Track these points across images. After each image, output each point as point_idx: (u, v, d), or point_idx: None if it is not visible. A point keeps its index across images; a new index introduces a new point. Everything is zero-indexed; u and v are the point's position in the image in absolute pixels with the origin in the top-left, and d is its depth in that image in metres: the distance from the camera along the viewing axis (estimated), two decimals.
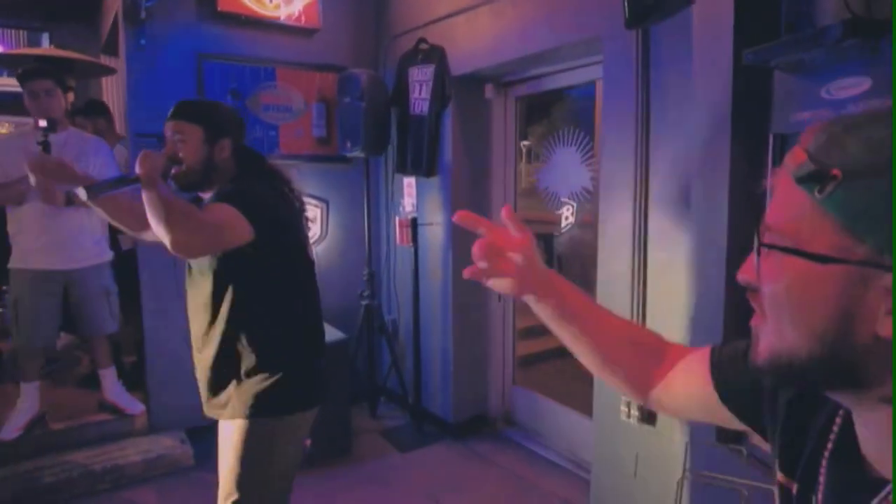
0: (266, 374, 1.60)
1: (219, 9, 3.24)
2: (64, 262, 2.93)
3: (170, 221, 1.33)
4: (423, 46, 3.38)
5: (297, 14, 3.48)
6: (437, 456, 3.28)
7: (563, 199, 3.05)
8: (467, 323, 3.44)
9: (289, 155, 3.60)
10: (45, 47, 5.60)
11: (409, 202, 3.43)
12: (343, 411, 3.30)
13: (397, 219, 3.42)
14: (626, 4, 1.89)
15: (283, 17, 3.44)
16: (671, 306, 2.19)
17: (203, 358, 1.67)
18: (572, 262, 4.72)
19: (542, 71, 3.09)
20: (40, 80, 2.83)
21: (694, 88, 2.03)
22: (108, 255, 3.13)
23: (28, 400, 3.07)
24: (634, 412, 2.34)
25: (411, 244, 3.38)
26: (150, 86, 3.17)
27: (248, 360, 1.60)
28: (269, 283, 1.58)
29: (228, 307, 1.59)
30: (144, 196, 1.35)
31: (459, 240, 3.35)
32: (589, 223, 2.97)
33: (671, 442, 2.25)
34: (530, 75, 3.18)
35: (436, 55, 3.29)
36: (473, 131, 3.36)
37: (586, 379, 3.99)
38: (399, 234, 3.39)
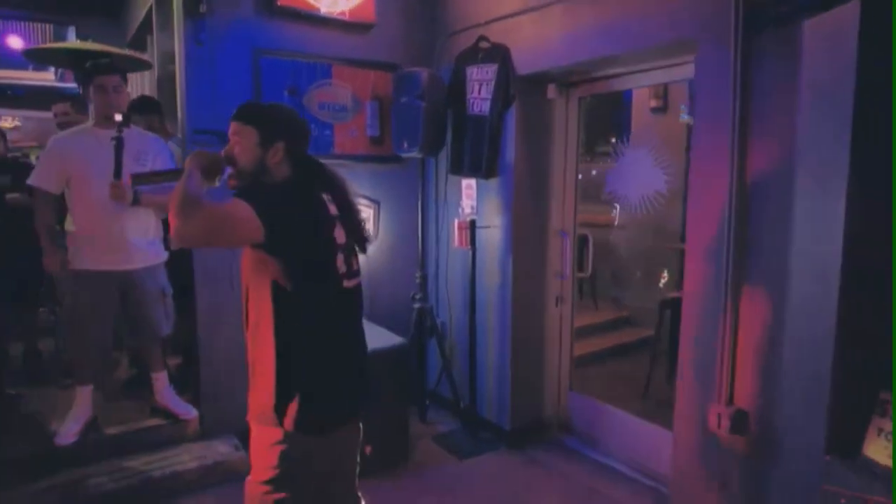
0: (284, 390, 1.57)
1: (278, 4, 3.16)
2: (122, 262, 2.85)
3: (180, 210, 1.38)
4: (484, 45, 3.30)
5: (354, 9, 3.40)
6: (497, 464, 3.22)
7: (633, 202, 2.99)
8: (525, 326, 3.38)
9: (343, 155, 3.52)
10: (72, 41, 5.50)
11: (468, 204, 3.36)
12: (401, 417, 3.24)
13: (456, 221, 3.35)
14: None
15: (339, 13, 3.36)
16: (769, 323, 2.14)
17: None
18: (627, 265, 4.66)
19: (613, 72, 3.02)
20: (110, 75, 2.75)
21: (802, 96, 1.98)
22: (164, 256, 3.05)
23: (82, 404, 3.00)
24: (725, 422, 2.28)
25: (469, 246, 3.31)
26: (208, 82, 3.08)
27: (268, 371, 1.58)
28: (286, 293, 1.54)
29: (255, 313, 1.59)
30: (176, 186, 1.44)
31: (519, 242, 3.29)
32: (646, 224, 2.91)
33: (764, 453, 2.20)
34: (598, 76, 3.11)
35: (499, 54, 3.22)
36: (535, 132, 3.30)
37: (639, 381, 3.98)
38: (457, 237, 3.32)
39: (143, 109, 3.45)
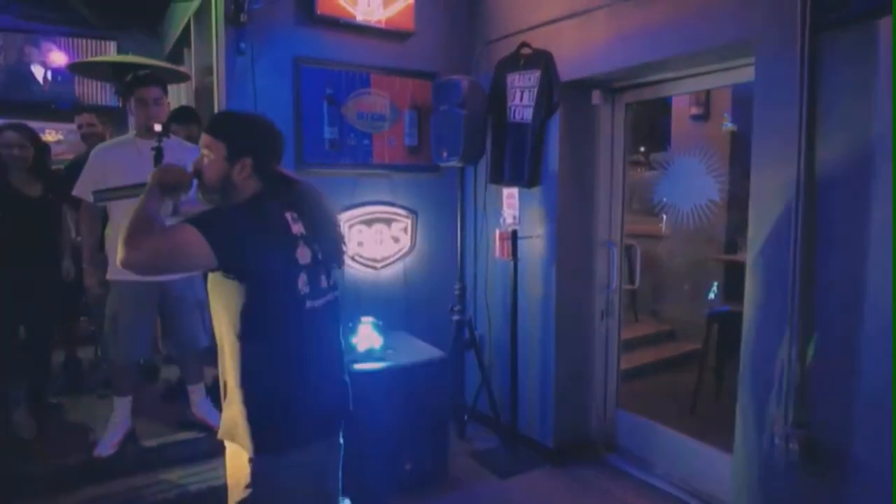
0: (249, 410, 1.53)
1: (317, 12, 3.14)
2: None
3: (128, 236, 1.37)
4: (526, 51, 3.23)
5: (392, 17, 3.36)
6: (540, 483, 3.09)
7: (684, 212, 2.87)
8: (569, 341, 3.26)
9: (381, 165, 3.47)
10: (113, 55, 5.60)
11: (510, 214, 3.27)
12: (439, 432, 3.14)
13: (497, 231, 3.26)
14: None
15: (378, 21, 3.32)
16: (841, 339, 1.99)
17: None
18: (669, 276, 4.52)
19: (661, 77, 2.91)
20: (151, 87, 2.75)
21: (880, 100, 1.86)
22: None
23: (121, 415, 2.97)
24: (794, 446, 2.13)
25: (510, 257, 3.21)
26: (248, 92, 3.07)
27: (233, 391, 1.56)
28: (244, 314, 1.50)
29: (218, 332, 1.58)
30: (134, 207, 1.44)
31: (563, 253, 3.18)
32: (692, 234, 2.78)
33: (835, 480, 2.04)
34: (645, 81, 3.01)
35: (541, 60, 3.14)
36: (579, 140, 3.20)
37: (685, 397, 3.82)
38: (499, 247, 3.23)
39: (183, 119, 3.45)
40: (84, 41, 5.86)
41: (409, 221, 3.57)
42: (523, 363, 3.36)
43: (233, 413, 1.56)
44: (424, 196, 3.64)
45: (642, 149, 5.50)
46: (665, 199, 2.96)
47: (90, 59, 5.09)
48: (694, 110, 5.01)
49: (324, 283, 1.63)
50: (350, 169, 3.37)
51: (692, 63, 2.67)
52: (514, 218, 3.30)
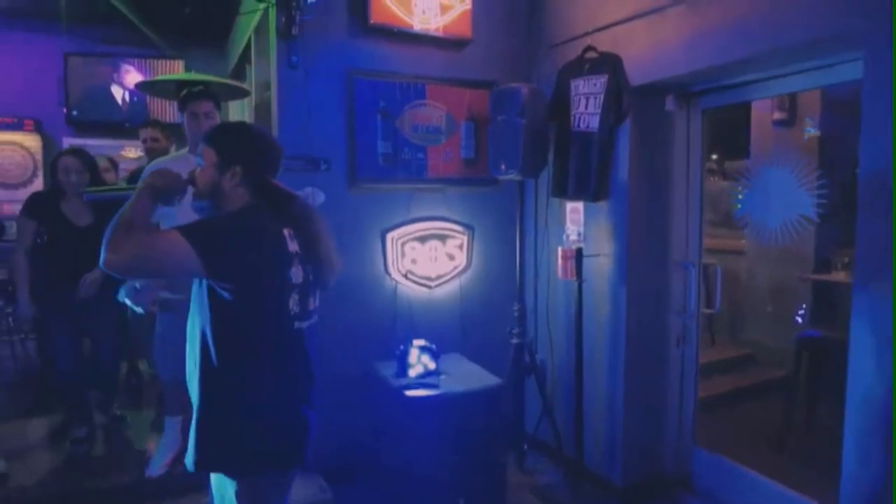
0: (214, 422, 1.52)
1: (371, 22, 3.03)
2: None
3: (111, 235, 1.38)
4: (591, 55, 3.00)
5: (448, 25, 3.21)
6: None
7: (772, 228, 2.55)
8: (640, 369, 2.98)
9: (436, 179, 3.32)
10: (182, 72, 5.75)
11: (574, 230, 3.03)
12: (496, 464, 2.93)
13: (560, 249, 3.02)
14: None
15: (434, 29, 3.18)
16: None
17: None
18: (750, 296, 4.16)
19: (744, 79, 2.62)
20: (202, 102, 2.73)
21: None
22: None
23: (171, 434, 2.94)
24: None
25: (575, 278, 2.97)
26: (301, 105, 2.99)
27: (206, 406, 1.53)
28: (229, 330, 1.49)
29: (200, 342, 1.52)
30: (124, 206, 1.45)
31: (634, 273, 2.91)
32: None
33: None
34: (726, 84, 2.71)
35: (608, 64, 2.90)
36: (651, 149, 2.93)
37: (771, 430, 3.43)
38: (561, 266, 3.00)
39: None
40: (157, 61, 6.06)
41: (464, 238, 3.39)
42: (589, 391, 3.10)
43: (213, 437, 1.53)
44: (481, 211, 3.45)
45: (714, 156, 5.13)
46: (747, 213, 2.64)
47: (156, 77, 5.22)
48: (777, 115, 4.58)
49: (311, 306, 1.63)
50: (404, 184, 3.23)
51: (782, 61, 2.36)
52: (579, 235, 3.05)
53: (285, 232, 1.55)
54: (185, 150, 2.87)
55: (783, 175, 2.52)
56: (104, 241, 1.38)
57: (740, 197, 2.78)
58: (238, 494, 1.55)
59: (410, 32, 3.14)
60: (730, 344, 4.90)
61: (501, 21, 3.43)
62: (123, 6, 5.17)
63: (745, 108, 4.62)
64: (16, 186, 5.68)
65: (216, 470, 1.59)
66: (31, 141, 5.78)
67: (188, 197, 1.61)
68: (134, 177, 3.72)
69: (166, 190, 1.54)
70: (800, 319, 4.19)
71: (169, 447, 2.92)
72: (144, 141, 3.69)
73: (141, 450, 3.21)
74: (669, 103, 2.90)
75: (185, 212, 1.66)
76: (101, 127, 5.63)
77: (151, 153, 3.66)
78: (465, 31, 3.27)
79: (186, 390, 2.94)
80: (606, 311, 3.03)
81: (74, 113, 5.78)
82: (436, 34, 3.19)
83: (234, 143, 1.57)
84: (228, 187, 1.54)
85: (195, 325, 1.54)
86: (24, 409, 3.86)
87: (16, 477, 2.97)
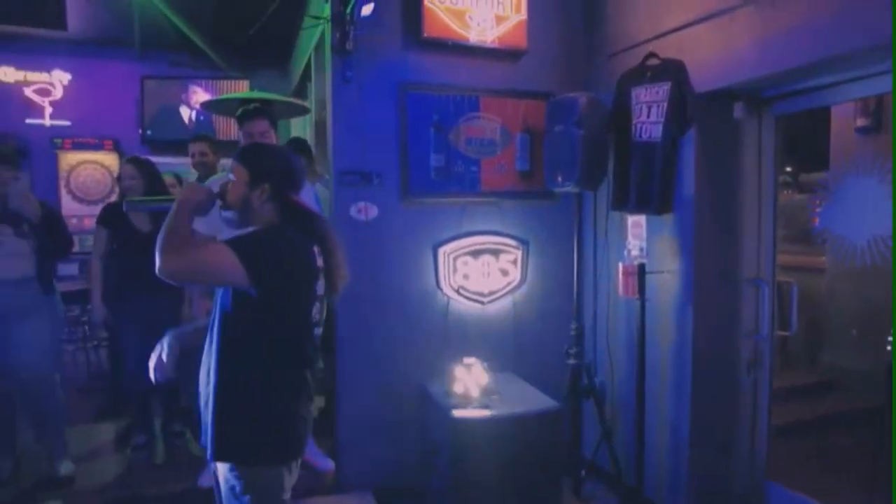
0: (237, 415, 1.64)
1: (424, 35, 3.01)
2: None
3: (164, 246, 1.52)
4: (653, 62, 2.85)
5: (503, 36, 3.15)
6: None
7: (856, 245, 2.32)
8: (707, 393, 2.77)
9: (490, 192, 3.25)
10: (246, 91, 5.96)
11: (636, 245, 2.88)
12: (552, 490, 2.81)
13: (621, 265, 2.87)
14: None
15: (488, 41, 3.13)
16: None
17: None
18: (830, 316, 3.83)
19: (820, 82, 2.42)
20: (257, 120, 2.77)
21: None
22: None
23: None
24: None
25: (637, 295, 2.81)
26: (355, 120, 3.00)
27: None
28: (263, 336, 1.64)
29: (229, 347, 1.64)
30: (166, 221, 1.56)
31: (701, 291, 2.72)
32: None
33: None
34: (801, 88, 2.52)
35: (671, 71, 2.74)
36: (719, 159, 2.76)
37: (858, 466, 3.12)
38: (622, 283, 2.85)
39: (295, 149, 3.47)
40: (223, 82, 6.32)
41: (518, 253, 3.29)
42: (652, 417, 2.91)
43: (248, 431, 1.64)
44: (537, 225, 3.34)
45: (788, 168, 4.82)
46: (827, 228, 2.42)
47: (220, 97, 5.43)
48: (861, 121, 4.24)
49: (322, 315, 1.95)
50: (457, 197, 3.17)
51: (866, 61, 2.16)
52: (641, 250, 2.90)
53: (314, 248, 1.72)
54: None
55: (869, 187, 2.30)
56: (157, 249, 1.52)
57: (818, 210, 2.56)
58: (249, 484, 1.64)
59: (465, 45, 3.10)
60: (809, 369, 4.54)
61: (558, 31, 3.35)
62: (193, 32, 5.43)
63: (824, 114, 4.31)
64: (96, 202, 6.03)
65: (234, 459, 1.66)
66: (110, 159, 6.13)
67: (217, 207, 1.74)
68: None
69: (199, 203, 1.66)
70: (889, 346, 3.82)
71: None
72: (193, 155, 3.79)
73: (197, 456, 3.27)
74: (738, 110, 2.72)
75: (213, 220, 1.80)
76: (172, 145, 5.89)
77: (200, 167, 3.76)
78: (521, 41, 3.20)
79: None
80: (671, 332, 2.85)
81: (149, 132, 6.09)
82: (490, 46, 3.14)
83: (263, 163, 1.71)
84: (257, 203, 1.68)
85: (222, 329, 1.65)
86: (94, 414, 4.03)
87: (79, 480, 3.08)
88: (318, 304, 1.71)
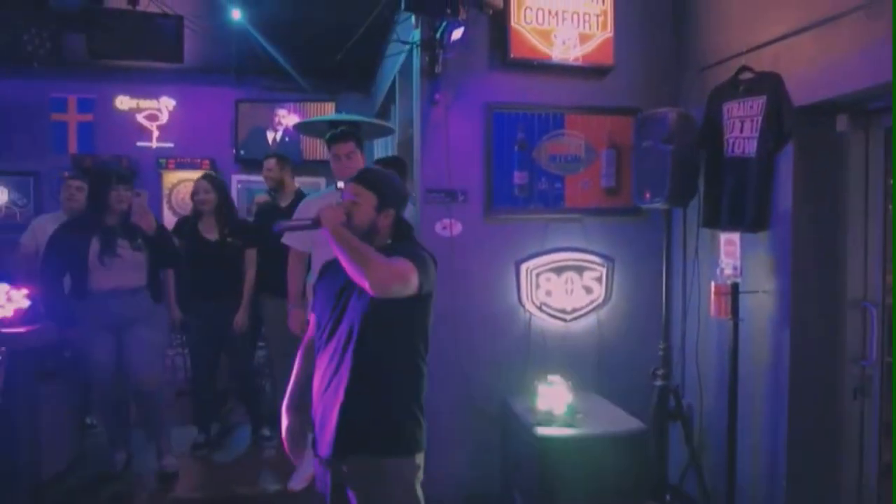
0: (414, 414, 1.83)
1: (511, 56, 3.07)
2: None
3: (367, 264, 1.64)
4: (746, 76, 2.78)
5: (589, 54, 3.16)
6: None
7: None
8: (807, 422, 2.62)
9: (573, 209, 3.24)
10: (333, 113, 6.25)
11: (729, 264, 2.78)
12: None
13: (713, 284, 2.78)
14: None
15: (574, 59, 3.14)
16: None
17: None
18: None
19: None
20: (343, 143, 2.92)
21: None
22: None
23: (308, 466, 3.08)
24: None
25: (730, 316, 2.71)
26: (441, 140, 3.09)
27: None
28: (424, 334, 1.86)
29: (387, 352, 1.80)
30: (335, 242, 1.69)
31: (800, 313, 2.59)
32: None
33: None
34: None
35: (767, 85, 2.67)
36: (820, 174, 2.63)
37: None
38: (714, 303, 2.76)
39: (387, 164, 3.66)
40: (311, 104, 6.65)
41: (603, 270, 3.25)
42: (744, 444, 2.78)
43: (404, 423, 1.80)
44: (622, 242, 3.30)
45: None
46: None
47: (309, 119, 5.71)
48: None
49: None
50: (540, 213, 3.19)
51: None
52: (735, 269, 2.79)
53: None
54: (332, 187, 3.08)
55: None
56: (358, 272, 1.64)
57: None
58: (397, 476, 1.77)
59: (550, 64, 3.13)
60: None
61: (646, 46, 3.32)
62: (284, 58, 5.76)
63: None
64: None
65: (389, 453, 1.76)
66: None
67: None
68: (262, 210, 4.10)
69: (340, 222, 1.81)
70: None
71: (312, 462, 3.06)
72: (263, 171, 4.08)
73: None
74: (842, 123, 2.59)
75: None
76: (260, 164, 6.26)
77: (269, 181, 4.03)
78: (607, 58, 3.20)
79: None
80: (766, 355, 2.72)
81: (241, 152, 6.49)
82: (575, 64, 3.15)
83: (389, 190, 1.85)
84: (382, 225, 1.83)
85: (362, 331, 1.76)
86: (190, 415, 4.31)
87: (182, 476, 3.30)
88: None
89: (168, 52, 3.34)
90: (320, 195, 3.22)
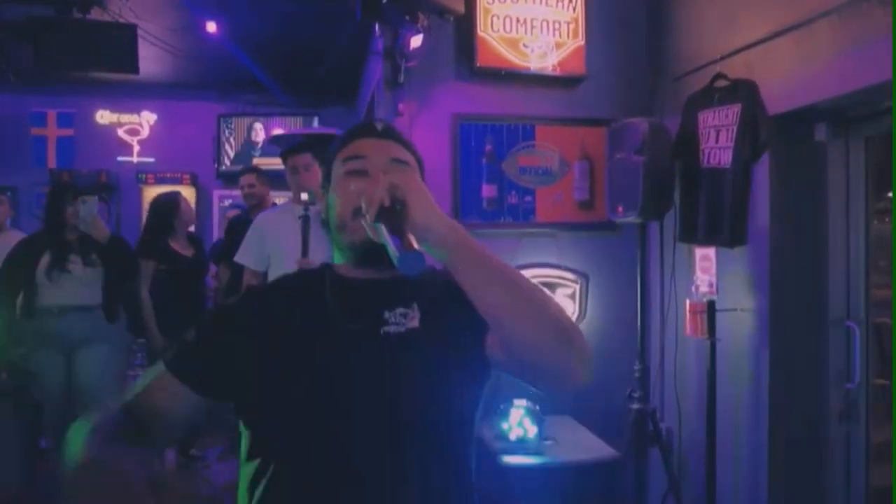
0: None
1: (477, 64, 2.96)
2: None
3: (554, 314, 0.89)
4: (721, 83, 2.66)
5: (560, 63, 3.05)
6: None
7: None
8: (789, 447, 2.47)
9: (545, 223, 3.11)
10: (313, 127, 6.17)
11: (704, 280, 2.64)
12: None
13: (688, 302, 2.64)
14: None
15: (544, 68, 3.03)
16: None
17: None
18: None
19: None
20: (300, 154, 2.81)
21: None
22: None
23: None
24: None
25: (706, 335, 2.56)
26: None
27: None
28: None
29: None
30: (462, 264, 0.91)
31: (780, 332, 2.45)
32: None
33: None
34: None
35: (742, 92, 2.54)
36: (798, 186, 2.51)
37: None
38: (690, 322, 2.61)
39: None
40: (294, 118, 6.57)
41: (577, 286, 3.11)
42: (724, 471, 2.62)
43: None
44: (597, 257, 3.16)
45: (890, 194, 4.36)
46: None
47: (279, 134, 5.61)
48: None
49: None
50: (510, 228, 3.07)
51: None
52: (711, 285, 2.65)
53: None
54: (289, 200, 2.97)
55: None
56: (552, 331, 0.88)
57: None
58: None
59: (519, 73, 3.02)
60: None
61: (620, 54, 3.21)
62: (265, 72, 5.69)
63: None
64: (192, 223, 6.39)
65: None
66: (188, 193, 6.46)
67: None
68: (233, 225, 3.94)
69: None
70: None
71: None
72: (242, 188, 3.91)
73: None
74: (820, 132, 2.47)
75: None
76: None
77: (249, 198, 3.87)
78: (579, 68, 3.09)
79: None
80: (745, 376, 2.57)
81: (223, 167, 6.40)
82: (546, 73, 3.04)
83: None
84: None
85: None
86: None
87: None
88: None
89: (122, 63, 3.24)
90: (278, 208, 3.10)
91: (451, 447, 1.04)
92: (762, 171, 2.50)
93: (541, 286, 1.08)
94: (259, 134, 6.43)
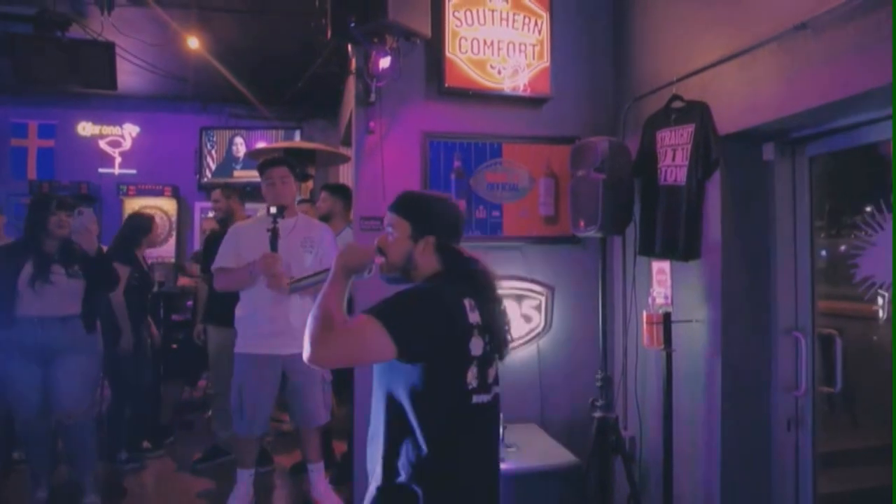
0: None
1: (446, 85, 3.07)
2: (284, 346, 2.83)
3: (319, 336, 1.35)
4: (677, 104, 2.79)
5: (526, 84, 3.17)
6: None
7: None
8: (742, 455, 2.57)
9: (512, 237, 3.21)
10: (295, 141, 6.25)
11: (660, 292, 2.75)
12: None
13: (645, 313, 2.75)
14: None
15: (510, 89, 3.15)
16: None
17: None
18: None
19: (859, 119, 2.27)
20: (276, 168, 2.89)
21: None
22: None
23: (243, 487, 2.98)
24: None
25: (662, 346, 2.66)
26: (376, 168, 3.06)
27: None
28: (414, 401, 1.44)
29: (375, 422, 1.54)
30: (317, 299, 1.42)
31: (731, 343, 2.56)
32: None
33: None
34: (838, 126, 2.37)
35: (695, 113, 2.67)
36: (748, 202, 2.62)
37: None
38: (647, 333, 2.71)
39: (334, 191, 3.75)
40: (276, 131, 6.65)
41: (542, 298, 3.21)
42: (681, 479, 2.71)
43: None
44: (562, 270, 3.26)
45: (869, 209, 4.48)
46: (876, 275, 2.23)
47: (263, 147, 5.68)
48: None
49: (491, 377, 1.55)
50: (478, 241, 3.15)
51: None
52: (666, 297, 2.76)
53: (466, 303, 1.50)
54: (264, 212, 3.04)
55: None
56: (309, 338, 1.36)
57: (860, 255, 2.36)
58: None
59: (486, 94, 3.13)
60: (877, 429, 4.13)
61: (583, 75, 3.34)
62: (247, 86, 5.77)
63: (876, 150, 4.05)
64: (154, 245, 6.41)
65: None
66: (169, 205, 6.51)
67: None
68: (210, 239, 4.03)
69: (358, 266, 1.52)
70: None
71: (242, 499, 2.96)
72: (213, 203, 4.12)
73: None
74: (768, 152, 2.60)
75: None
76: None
77: (218, 213, 4.05)
78: (544, 88, 3.20)
79: (259, 443, 3.04)
80: (700, 386, 2.68)
81: (205, 180, 6.45)
82: (512, 93, 3.16)
83: (427, 214, 1.57)
84: (421, 258, 1.54)
85: (381, 398, 1.50)
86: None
87: None
88: (473, 368, 1.47)
89: (100, 80, 3.31)
90: (252, 220, 3.18)
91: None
92: (714, 189, 2.62)
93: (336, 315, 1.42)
94: (240, 149, 6.49)
